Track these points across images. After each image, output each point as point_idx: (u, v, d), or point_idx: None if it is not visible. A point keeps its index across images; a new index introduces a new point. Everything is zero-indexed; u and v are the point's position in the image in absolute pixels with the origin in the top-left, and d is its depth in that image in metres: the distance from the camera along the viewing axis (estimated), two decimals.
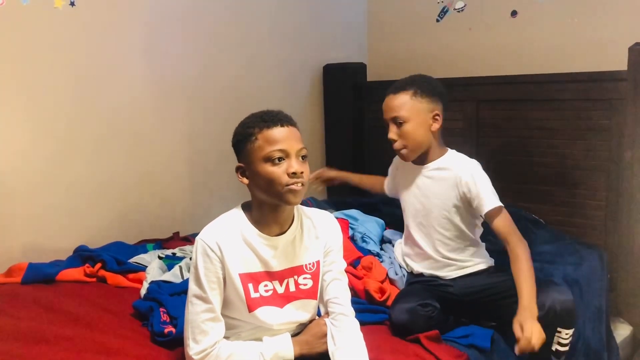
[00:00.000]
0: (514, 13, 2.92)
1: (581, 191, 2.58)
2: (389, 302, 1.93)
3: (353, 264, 2.08)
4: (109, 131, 2.41)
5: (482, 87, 2.84)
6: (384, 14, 3.43)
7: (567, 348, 1.78)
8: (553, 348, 1.76)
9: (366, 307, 1.89)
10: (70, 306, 1.78)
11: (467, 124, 2.88)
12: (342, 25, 3.39)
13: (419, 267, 2.07)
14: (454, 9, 3.14)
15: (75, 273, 2.01)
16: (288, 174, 1.40)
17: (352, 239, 2.27)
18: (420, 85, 1.95)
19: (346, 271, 1.95)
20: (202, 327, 1.38)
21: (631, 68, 2.34)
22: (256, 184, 1.44)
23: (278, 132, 1.42)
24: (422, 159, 2.04)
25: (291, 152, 1.42)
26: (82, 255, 2.11)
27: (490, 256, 2.08)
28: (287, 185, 1.40)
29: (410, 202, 2.07)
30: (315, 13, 3.22)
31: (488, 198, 1.89)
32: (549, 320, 1.71)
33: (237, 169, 1.48)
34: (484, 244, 2.08)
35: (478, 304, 1.92)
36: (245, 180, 1.47)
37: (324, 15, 3.27)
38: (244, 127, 1.46)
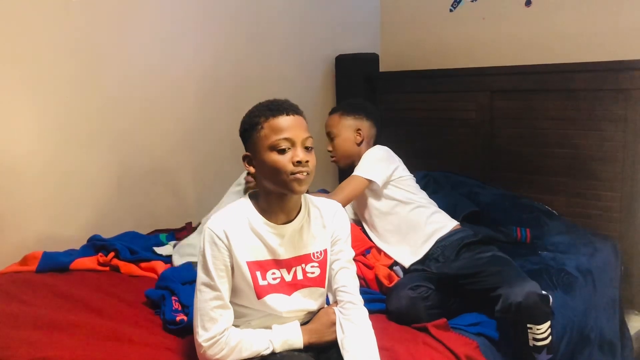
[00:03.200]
0: (528, 2, 2.89)
1: (596, 182, 2.56)
2: None
3: (364, 253, 2.08)
4: (122, 122, 2.43)
5: (496, 77, 2.82)
6: (397, 3, 3.41)
7: (547, 341, 1.74)
8: (530, 344, 1.73)
9: (376, 296, 1.89)
10: (84, 294, 1.81)
11: (480, 115, 2.87)
12: (355, 15, 3.38)
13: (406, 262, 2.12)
14: None
15: (88, 262, 2.04)
16: (293, 163, 1.40)
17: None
18: (347, 107, 2.32)
19: (357, 260, 1.98)
20: (211, 314, 1.39)
21: None
22: (262, 172, 1.45)
23: (284, 120, 1.43)
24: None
25: (297, 140, 1.42)
26: (95, 245, 2.13)
27: None
28: (293, 173, 1.40)
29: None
30: (327, 3, 3.21)
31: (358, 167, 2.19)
32: (512, 317, 1.72)
33: (244, 158, 1.50)
34: (434, 212, 2.17)
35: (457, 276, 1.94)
36: (252, 169, 1.48)
37: (337, 6, 3.26)
38: (251, 117, 1.48)
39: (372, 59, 3.31)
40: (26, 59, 2.14)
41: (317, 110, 3.21)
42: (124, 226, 2.38)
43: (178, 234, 2.42)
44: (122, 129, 2.44)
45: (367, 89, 3.25)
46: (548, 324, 1.74)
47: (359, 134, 2.26)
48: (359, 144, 2.25)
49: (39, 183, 2.20)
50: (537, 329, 1.72)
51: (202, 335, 1.39)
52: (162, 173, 2.59)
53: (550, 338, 1.75)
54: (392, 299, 1.84)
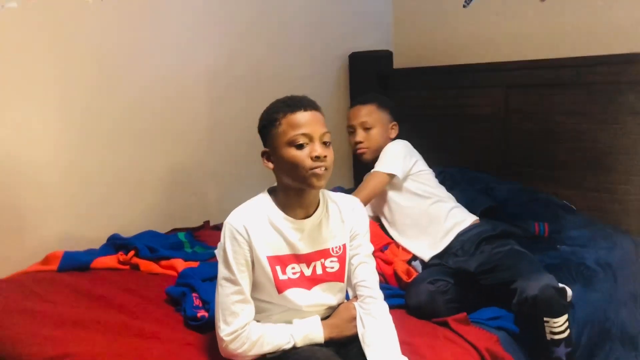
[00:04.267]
0: None
1: (614, 176, 2.52)
2: None
3: (382, 249, 2.08)
4: (139, 123, 2.45)
5: (511, 73, 2.80)
6: (410, 0, 3.41)
7: (565, 335, 1.73)
8: (548, 338, 1.72)
9: (396, 292, 1.90)
10: (105, 292, 1.83)
11: (496, 110, 2.85)
12: (368, 13, 3.37)
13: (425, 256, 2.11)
14: None
15: (109, 261, 2.05)
16: (311, 158, 1.41)
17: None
18: (382, 100, 2.31)
19: (375, 256, 1.98)
20: (232, 308, 1.41)
21: None
22: (281, 168, 1.46)
23: (301, 116, 1.44)
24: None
25: (315, 136, 1.43)
26: (115, 244, 2.16)
27: None
28: (311, 169, 1.41)
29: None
30: (340, 2, 3.21)
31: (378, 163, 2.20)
32: (528, 311, 1.71)
33: (263, 154, 1.51)
34: (454, 206, 2.18)
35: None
36: (271, 165, 1.49)
37: (350, 4, 3.26)
38: (269, 113, 1.49)
39: (385, 56, 3.31)
40: (47, 63, 2.16)
41: (331, 108, 3.22)
42: (144, 225, 2.39)
43: (196, 232, 2.44)
44: (141, 130, 2.46)
45: (380, 86, 3.24)
46: (565, 317, 1.73)
47: (394, 129, 2.28)
48: (393, 139, 2.26)
49: (57, 184, 2.22)
50: (554, 322, 1.71)
51: (223, 330, 1.40)
52: (179, 173, 2.61)
53: (568, 331, 1.74)
54: (411, 293, 1.85)
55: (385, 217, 2.25)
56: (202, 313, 1.64)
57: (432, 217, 2.12)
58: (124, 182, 2.41)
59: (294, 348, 1.43)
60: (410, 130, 3.04)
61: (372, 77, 3.24)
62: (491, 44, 3.04)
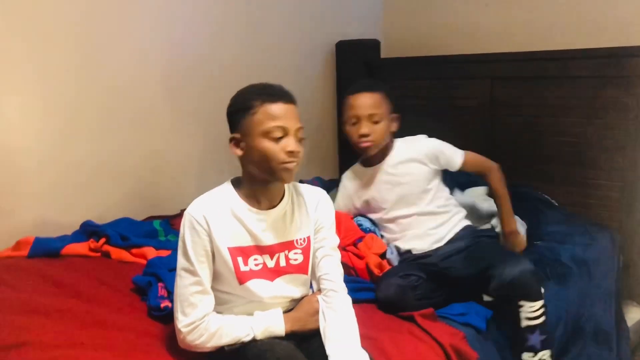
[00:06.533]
0: None
1: (597, 171, 2.50)
2: None
3: (355, 243, 2.06)
4: (117, 109, 2.42)
5: (497, 64, 2.77)
6: None
7: (540, 320, 1.73)
8: (523, 325, 1.72)
9: (365, 285, 1.88)
10: (73, 280, 1.81)
11: (482, 102, 2.82)
12: (357, 1, 3.33)
13: (406, 245, 2.10)
14: None
15: (80, 248, 2.04)
16: (286, 152, 1.39)
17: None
18: (384, 87, 2.14)
19: (348, 250, 1.97)
20: (191, 299, 1.39)
21: None
22: (250, 157, 1.43)
23: (280, 108, 1.41)
24: (378, 159, 2.16)
25: (290, 130, 1.41)
26: (87, 230, 2.14)
27: None
28: (283, 163, 1.40)
29: (385, 198, 2.14)
30: None
31: (454, 152, 2.14)
32: (505, 293, 1.72)
33: (231, 140, 1.47)
34: (459, 209, 2.18)
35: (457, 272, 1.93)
36: (239, 152, 1.46)
37: None
38: (244, 98, 1.45)
39: (373, 45, 3.27)
40: (28, 48, 2.13)
41: (317, 98, 3.19)
42: (121, 213, 2.37)
43: (172, 220, 2.42)
44: (120, 118, 2.43)
45: (368, 75, 3.21)
46: (542, 302, 1.73)
47: (395, 121, 2.14)
48: (393, 133, 2.15)
49: (33, 170, 2.20)
50: (530, 307, 1.71)
51: (181, 321, 1.39)
52: (158, 160, 2.59)
53: (544, 318, 1.74)
54: (381, 286, 1.83)
55: (403, 201, 2.12)
56: (165, 303, 1.63)
57: (447, 210, 2.14)
58: (102, 169, 2.39)
59: (254, 341, 1.42)
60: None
61: (359, 66, 3.20)
62: (479, 35, 3.02)
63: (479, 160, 2.18)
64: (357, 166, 2.25)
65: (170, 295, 1.68)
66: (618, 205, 2.45)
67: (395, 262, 2.07)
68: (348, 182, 2.26)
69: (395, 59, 3.26)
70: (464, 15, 3.08)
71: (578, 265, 2.06)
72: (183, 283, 1.41)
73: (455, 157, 2.13)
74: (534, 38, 2.80)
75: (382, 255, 2.04)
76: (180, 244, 1.42)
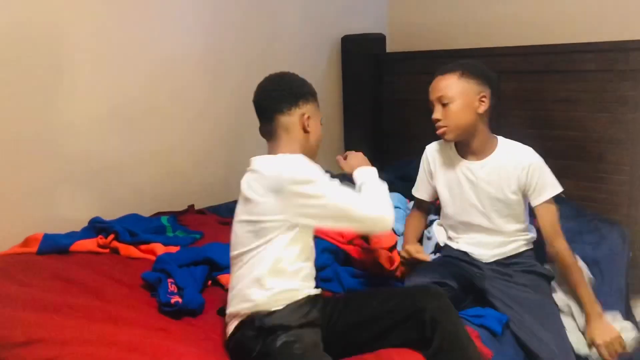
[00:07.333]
0: None
1: (605, 165, 2.50)
2: (398, 273, 1.93)
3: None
4: (126, 106, 2.42)
5: (503, 58, 2.76)
6: None
7: None
8: None
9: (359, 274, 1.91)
10: (82, 276, 1.81)
11: None
12: None
13: (465, 247, 2.01)
14: None
15: (88, 244, 2.04)
16: None
17: None
18: (468, 67, 1.92)
19: (355, 244, 1.97)
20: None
21: None
22: (311, 137, 1.61)
23: None
24: (473, 152, 1.97)
25: None
26: (95, 227, 2.14)
27: None
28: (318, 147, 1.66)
29: (463, 197, 1.99)
30: None
31: (545, 189, 1.91)
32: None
33: (302, 115, 1.58)
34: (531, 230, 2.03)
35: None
36: (309, 129, 1.59)
37: None
38: (309, 86, 1.63)
39: (378, 39, 3.26)
40: (37, 47, 2.14)
41: (322, 92, 3.16)
42: (129, 209, 2.37)
43: (180, 216, 2.43)
44: (128, 114, 2.43)
45: (374, 69, 3.21)
46: None
47: (483, 101, 1.89)
48: (481, 114, 1.89)
49: (41, 166, 2.20)
50: None
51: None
52: (165, 156, 2.58)
53: None
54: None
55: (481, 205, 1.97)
56: (176, 299, 1.63)
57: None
58: (107, 164, 2.39)
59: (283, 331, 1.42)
60: (402, 115, 3.04)
61: (364, 60, 3.20)
62: (485, 29, 3.01)
63: (551, 227, 1.91)
64: (452, 152, 2.04)
65: (180, 291, 1.68)
66: (626, 199, 2.45)
67: (428, 249, 2.06)
68: (428, 165, 2.11)
69: (400, 53, 3.25)
70: (470, 9, 3.07)
71: (589, 265, 2.04)
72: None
73: (539, 197, 1.91)
74: (541, 32, 2.79)
75: (391, 248, 2.04)
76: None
